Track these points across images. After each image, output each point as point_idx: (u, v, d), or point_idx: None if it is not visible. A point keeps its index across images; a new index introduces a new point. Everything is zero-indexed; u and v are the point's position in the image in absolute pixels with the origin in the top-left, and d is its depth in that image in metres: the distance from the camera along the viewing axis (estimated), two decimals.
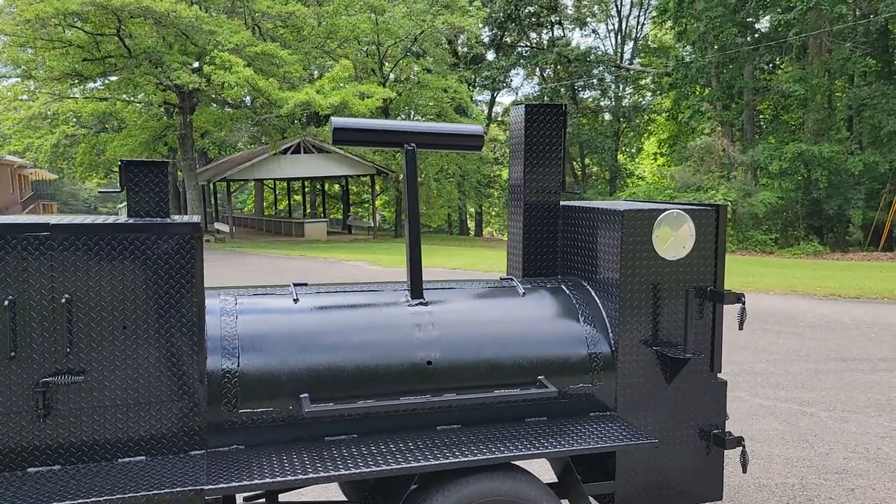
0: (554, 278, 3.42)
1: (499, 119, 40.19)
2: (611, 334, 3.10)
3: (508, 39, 38.67)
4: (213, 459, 2.54)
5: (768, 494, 4.23)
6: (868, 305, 11.04)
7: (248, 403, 2.62)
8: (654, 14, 33.70)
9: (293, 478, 2.42)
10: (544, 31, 39.19)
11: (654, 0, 33.82)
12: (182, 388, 2.56)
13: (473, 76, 36.01)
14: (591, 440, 2.78)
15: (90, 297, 2.45)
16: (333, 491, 3.90)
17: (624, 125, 38.65)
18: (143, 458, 2.53)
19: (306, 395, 2.66)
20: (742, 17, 25.48)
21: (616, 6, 38.44)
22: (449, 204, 33.37)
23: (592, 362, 3.04)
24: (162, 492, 2.27)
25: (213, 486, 2.32)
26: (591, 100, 39.87)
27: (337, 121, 3.00)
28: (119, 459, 2.50)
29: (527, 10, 37.04)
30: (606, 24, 43.90)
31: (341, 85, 24.29)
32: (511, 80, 40.12)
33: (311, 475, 2.44)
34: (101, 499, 2.21)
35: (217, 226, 32.63)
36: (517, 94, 42.04)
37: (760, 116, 29.58)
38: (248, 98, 27.40)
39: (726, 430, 3.25)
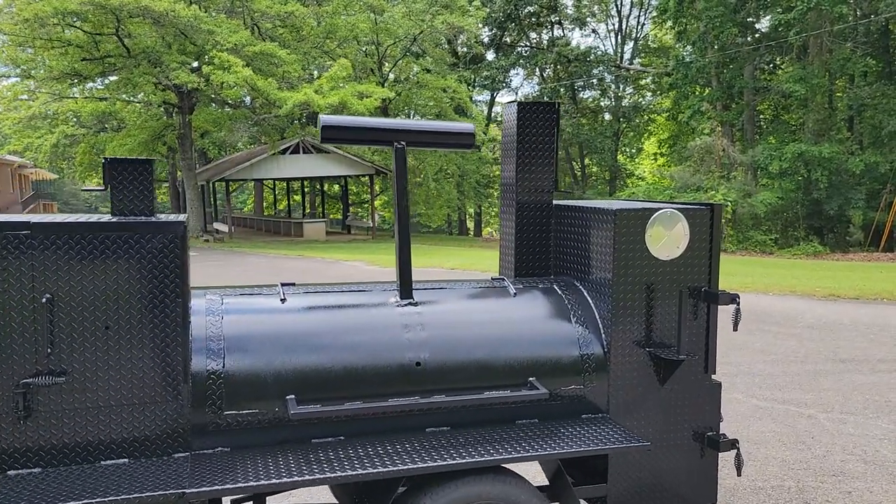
0: (546, 278, 3.37)
1: (498, 119, 40.14)
2: (603, 335, 3.06)
3: (508, 39, 38.63)
4: (197, 462, 2.50)
5: (764, 497, 4.19)
6: (867, 306, 10.99)
7: (233, 405, 2.58)
8: (655, 14, 33.67)
9: (278, 481, 2.38)
10: (544, 31, 39.16)
11: (655, 0, 33.77)
12: (166, 390, 2.52)
13: (473, 76, 35.97)
14: (583, 443, 2.74)
15: (71, 297, 2.41)
16: (325, 493, 3.86)
17: (624, 125, 38.61)
18: (126, 460, 2.49)
19: (293, 396, 2.62)
20: (742, 16, 25.44)
21: (616, 6, 38.41)
22: (448, 204, 33.32)
23: (584, 363, 3.00)
24: (143, 495, 2.23)
25: (195, 490, 2.28)
26: (590, 100, 39.84)
27: (325, 118, 2.96)
28: (101, 462, 2.46)
29: (526, 10, 37.00)
30: (606, 24, 43.93)
31: (341, 85, 24.25)
32: (511, 80, 40.09)
33: (296, 478, 2.40)
34: (81, 502, 2.17)
35: (216, 226, 32.58)
36: (517, 94, 42.01)
37: (761, 117, 29.54)
38: (247, 98, 27.38)
39: (721, 432, 3.21)
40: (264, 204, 43.76)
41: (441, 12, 27.69)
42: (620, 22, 38.83)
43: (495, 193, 38.69)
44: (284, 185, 41.10)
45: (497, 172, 38.04)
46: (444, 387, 2.82)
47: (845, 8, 22.11)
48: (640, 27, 39.23)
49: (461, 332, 2.92)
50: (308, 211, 37.71)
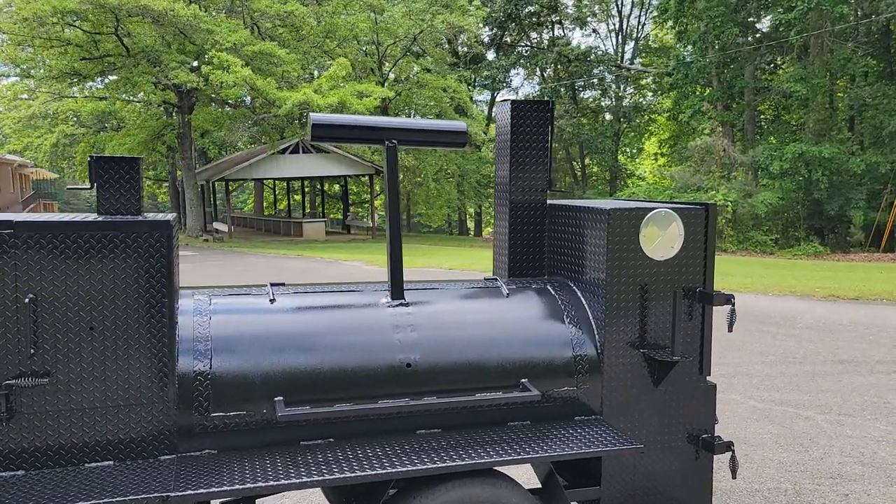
0: (540, 279, 3.34)
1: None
2: (597, 336, 3.02)
3: (508, 39, 38.60)
4: (184, 464, 2.46)
5: (760, 500, 4.15)
6: (867, 307, 10.95)
7: (220, 406, 2.55)
8: (655, 14, 33.63)
9: (265, 484, 2.34)
10: (544, 31, 39.12)
11: (655, 0, 33.73)
12: (152, 391, 2.49)
13: (473, 76, 35.94)
14: (575, 445, 2.70)
15: (56, 297, 2.38)
16: (317, 495, 3.83)
17: (624, 125, 38.57)
18: (111, 462, 2.45)
19: (281, 398, 2.58)
20: (743, 16, 25.40)
21: (617, 6, 38.37)
22: (448, 204, 33.30)
23: (577, 365, 2.97)
24: (127, 498, 2.20)
25: (180, 493, 2.25)
26: (591, 100, 39.80)
27: (315, 117, 2.92)
28: (86, 464, 2.43)
29: (527, 10, 36.97)
30: (607, 24, 43.87)
31: (341, 84, 24.22)
32: (511, 80, 40.07)
33: (283, 481, 2.36)
34: None
35: (216, 225, 32.56)
36: (517, 93, 41.98)
37: (761, 117, 29.50)
38: (247, 98, 27.36)
39: (716, 434, 3.18)
40: (264, 204, 43.74)
41: (441, 12, 27.66)
42: (621, 22, 38.82)
43: None
44: (285, 184, 41.06)
45: None
46: (435, 388, 2.78)
47: (846, 8, 22.06)
48: (640, 27, 39.22)
49: (453, 333, 2.89)
50: (308, 211, 37.68)
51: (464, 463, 2.52)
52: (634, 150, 41.53)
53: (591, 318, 3.07)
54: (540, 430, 2.84)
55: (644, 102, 38.37)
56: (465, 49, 36.25)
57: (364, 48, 29.84)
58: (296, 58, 24.62)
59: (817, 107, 24.03)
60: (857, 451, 4.96)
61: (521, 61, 38.13)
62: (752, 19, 26.04)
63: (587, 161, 40.76)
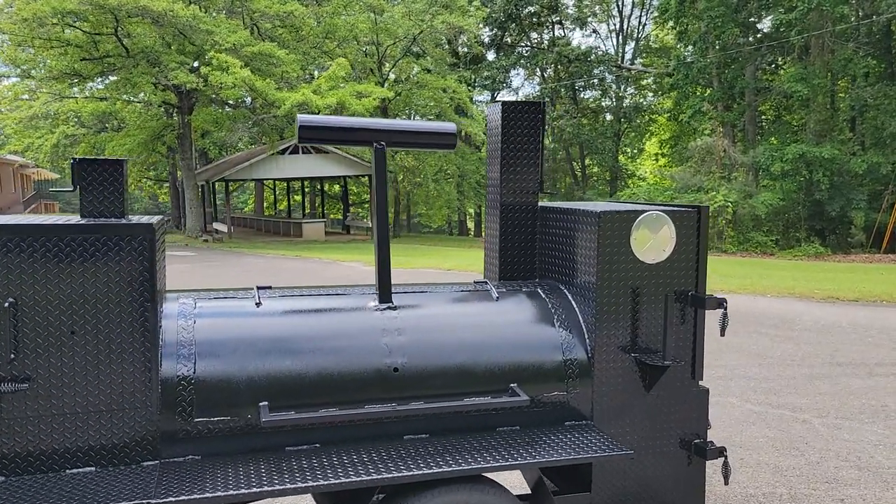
0: (531, 282, 3.31)
1: None
2: (587, 340, 2.99)
3: (509, 39, 38.57)
4: (166, 471, 2.43)
5: None
6: (867, 308, 10.90)
7: (204, 412, 2.52)
8: (656, 14, 33.59)
9: (247, 490, 2.31)
10: (545, 31, 39.08)
11: (656, 0, 33.69)
12: (134, 396, 2.46)
13: (473, 76, 35.91)
14: (564, 451, 2.67)
15: (36, 301, 2.35)
16: (305, 500, 3.80)
17: (625, 125, 38.53)
18: (93, 469, 2.42)
19: (265, 403, 2.55)
20: (744, 16, 25.35)
21: (617, 6, 38.34)
22: (448, 205, 33.27)
23: (568, 369, 2.93)
24: None
25: (162, 500, 2.22)
26: (591, 100, 39.76)
27: (303, 118, 2.89)
28: (67, 470, 2.40)
29: (527, 10, 36.93)
30: (607, 24, 43.83)
31: (341, 85, 24.19)
32: (511, 81, 40.07)
33: (266, 488, 2.33)
34: None
35: (216, 226, 32.55)
36: (517, 94, 41.95)
37: (762, 117, 29.44)
38: (247, 98, 27.34)
39: (708, 439, 3.15)
40: (265, 204, 43.72)
41: (441, 12, 27.63)
42: (621, 22, 38.78)
43: None
44: (285, 185, 41.05)
45: None
46: (423, 393, 2.75)
47: (847, 8, 22.00)
48: (641, 27, 39.19)
49: (441, 337, 2.86)
50: (308, 211, 37.66)
51: (451, 469, 2.49)
52: (635, 151, 41.48)
53: (581, 321, 3.04)
54: (529, 436, 2.81)
55: (644, 103, 38.33)
56: (466, 49, 36.23)
57: (364, 49, 29.81)
58: (295, 58, 24.60)
59: (818, 107, 23.97)
60: (854, 455, 4.92)
61: (522, 62, 38.10)
62: (752, 19, 25.99)
63: (587, 161, 40.71)
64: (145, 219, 2.65)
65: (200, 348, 2.58)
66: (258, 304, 2.79)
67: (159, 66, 23.36)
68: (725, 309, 3.02)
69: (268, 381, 2.59)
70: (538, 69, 38.97)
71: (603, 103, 39.49)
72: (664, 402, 3.08)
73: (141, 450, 2.47)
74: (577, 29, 38.96)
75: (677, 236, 3.02)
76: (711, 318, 3.26)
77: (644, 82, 38.00)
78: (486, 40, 37.63)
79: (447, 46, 33.64)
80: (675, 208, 3.07)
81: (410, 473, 2.44)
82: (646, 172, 41.66)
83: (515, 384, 2.84)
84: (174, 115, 28.15)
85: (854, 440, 5.20)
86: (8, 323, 2.30)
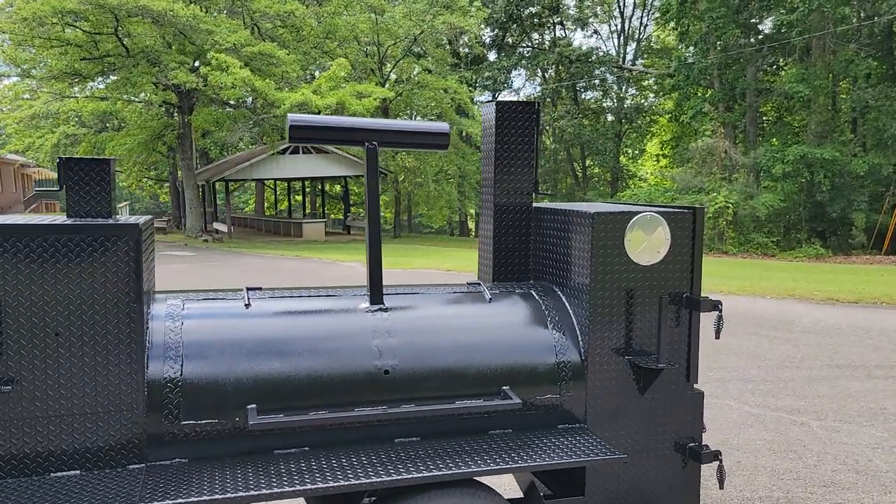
0: (524, 283, 3.28)
1: None
2: (581, 342, 2.96)
3: (510, 40, 38.55)
4: (152, 474, 2.40)
5: None
6: (866, 310, 10.86)
7: (191, 414, 2.49)
8: (657, 15, 33.55)
9: (234, 495, 2.28)
10: (546, 32, 39.06)
11: (657, 1, 33.65)
12: (120, 398, 2.43)
13: (474, 77, 35.89)
14: (557, 454, 2.64)
15: (20, 302, 2.32)
16: (297, 503, 3.77)
17: (626, 126, 38.49)
18: (77, 472, 2.39)
19: (254, 405, 2.52)
20: (745, 17, 25.31)
21: (618, 7, 38.30)
22: (449, 205, 33.25)
23: (561, 372, 2.90)
24: None
25: None
26: (592, 101, 39.73)
27: (294, 118, 2.86)
28: (51, 474, 2.37)
29: (528, 11, 36.90)
30: (609, 25, 43.75)
31: (341, 85, 24.17)
32: (512, 81, 40.10)
33: (253, 492, 2.30)
34: None
35: (216, 226, 32.54)
36: (518, 94, 41.91)
37: (763, 118, 29.39)
38: (248, 98, 27.33)
39: (703, 442, 3.11)
40: (266, 204, 43.72)
41: (441, 13, 27.61)
42: (623, 23, 38.74)
43: None
44: (286, 185, 41.04)
45: None
46: (414, 396, 2.72)
47: (848, 9, 21.96)
48: (642, 28, 39.14)
49: (432, 339, 2.83)
50: (309, 211, 37.65)
51: (442, 473, 2.46)
52: (636, 152, 41.44)
53: (575, 323, 3.00)
54: (522, 439, 2.78)
55: (646, 104, 38.28)
56: (467, 50, 36.21)
57: (365, 49, 29.80)
58: (295, 58, 24.58)
59: (819, 108, 23.92)
60: (852, 458, 4.88)
61: (523, 62, 38.08)
62: (753, 20, 25.95)
63: (588, 162, 40.68)
64: (132, 219, 2.62)
65: (188, 350, 2.55)
66: (247, 306, 2.76)
67: (159, 65, 23.36)
68: (720, 311, 2.99)
69: (256, 383, 2.56)
70: (539, 70, 38.94)
71: (604, 104, 39.45)
72: (658, 406, 3.05)
73: (127, 453, 2.44)
74: (579, 30, 38.95)
75: (672, 238, 2.99)
76: (707, 320, 3.23)
77: (645, 83, 37.97)
78: (487, 41, 37.62)
79: (448, 47, 33.61)
80: (670, 209, 3.04)
81: (401, 477, 2.41)
82: (647, 173, 41.62)
83: (508, 387, 2.81)
84: (174, 114, 28.15)
85: (852, 443, 5.17)
86: None
